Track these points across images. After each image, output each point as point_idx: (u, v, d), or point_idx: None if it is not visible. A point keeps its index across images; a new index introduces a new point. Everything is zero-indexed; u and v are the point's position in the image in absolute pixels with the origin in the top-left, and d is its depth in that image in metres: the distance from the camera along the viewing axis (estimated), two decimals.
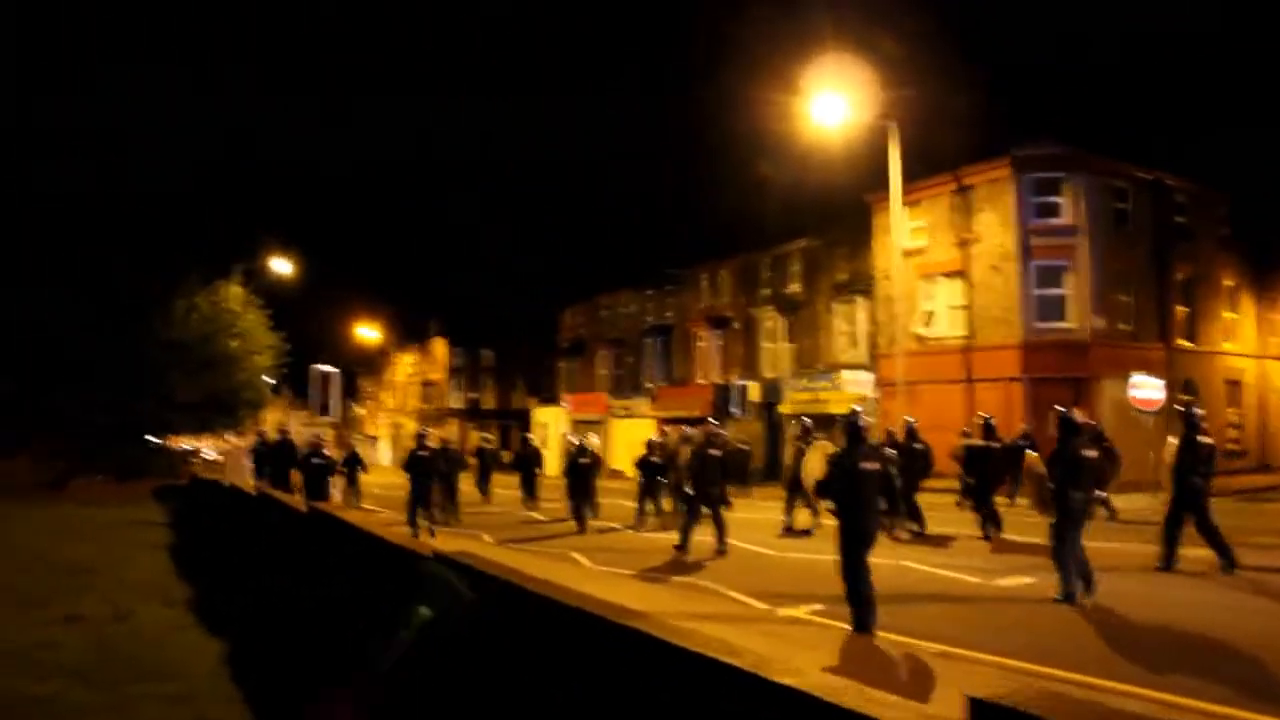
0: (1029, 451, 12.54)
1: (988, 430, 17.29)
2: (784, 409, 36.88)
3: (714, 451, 15.82)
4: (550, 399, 59.41)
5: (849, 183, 34.14)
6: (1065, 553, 10.23)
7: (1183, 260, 31.40)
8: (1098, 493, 11.54)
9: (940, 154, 30.74)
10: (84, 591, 10.69)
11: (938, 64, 32.84)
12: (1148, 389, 26.27)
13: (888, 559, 12.42)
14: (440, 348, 78.15)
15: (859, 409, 10.01)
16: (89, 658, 7.56)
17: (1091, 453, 10.63)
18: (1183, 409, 13.09)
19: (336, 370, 25.06)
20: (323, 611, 8.41)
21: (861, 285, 35.13)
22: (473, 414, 75.58)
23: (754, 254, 41.10)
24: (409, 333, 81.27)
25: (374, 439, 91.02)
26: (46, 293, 35.88)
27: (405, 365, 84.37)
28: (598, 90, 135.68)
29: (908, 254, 30.76)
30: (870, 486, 9.17)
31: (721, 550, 15.13)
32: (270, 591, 10.37)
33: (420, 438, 19.95)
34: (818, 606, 10.22)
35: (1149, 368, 27.65)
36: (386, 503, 23.97)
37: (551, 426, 54.41)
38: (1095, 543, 11.66)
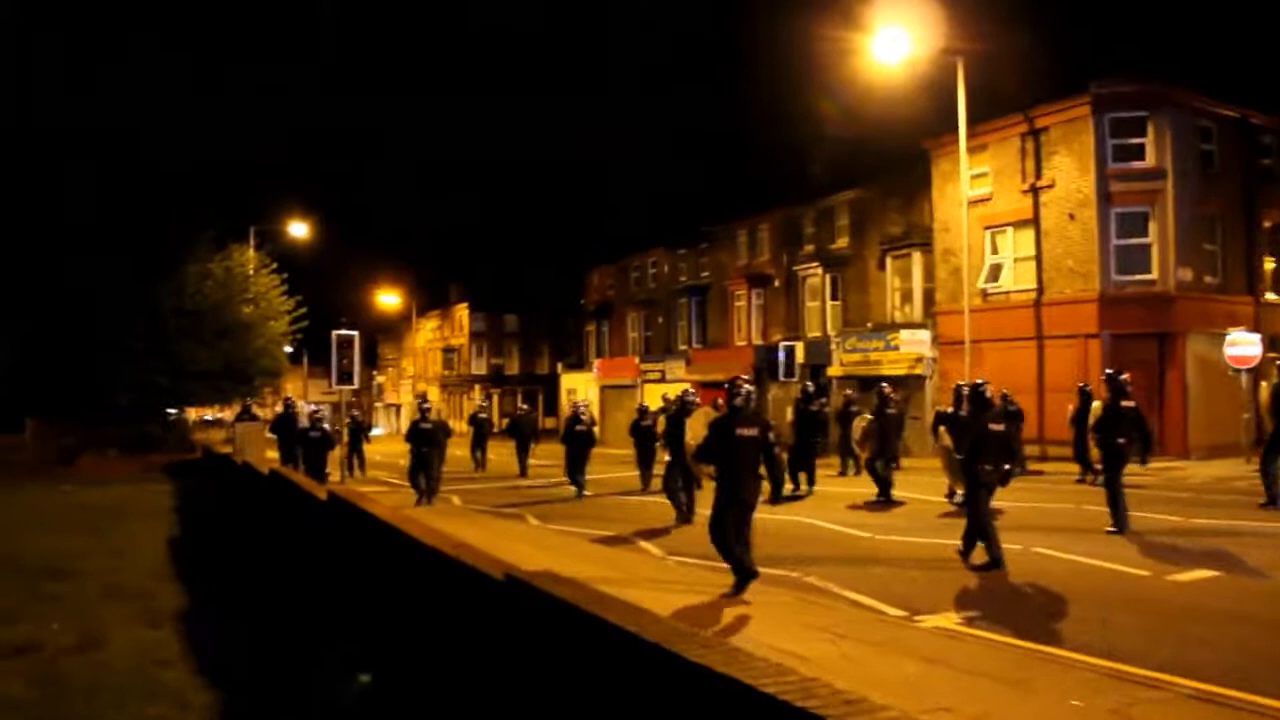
0: (941, 426, 12.66)
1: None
2: (833, 371, 34.63)
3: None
4: (578, 364, 57.39)
5: (903, 130, 31.81)
6: (984, 520, 10.59)
7: (1269, 206, 28.79)
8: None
9: (1006, 96, 28.30)
10: (54, 603, 8.62)
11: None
12: (1244, 345, 24.06)
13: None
14: (462, 313, 76.20)
15: (743, 378, 9.97)
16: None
17: (998, 426, 10.97)
18: None
19: (355, 333, 23.13)
20: (347, 657, 6.34)
21: (917, 238, 32.72)
22: (496, 380, 73.74)
23: (797, 208, 38.73)
24: (430, 298, 79.32)
25: (396, 407, 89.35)
26: (55, 260, 34.01)
27: (426, 331, 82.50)
28: (623, 36, 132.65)
29: (971, 203, 28.23)
30: (747, 452, 9.30)
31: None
32: (281, 608, 8.31)
33: (423, 410, 20.65)
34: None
35: (1236, 322, 25.43)
36: (398, 473, 22.52)
37: (580, 392, 52.42)
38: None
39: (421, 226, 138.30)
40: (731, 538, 9.23)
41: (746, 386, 9.76)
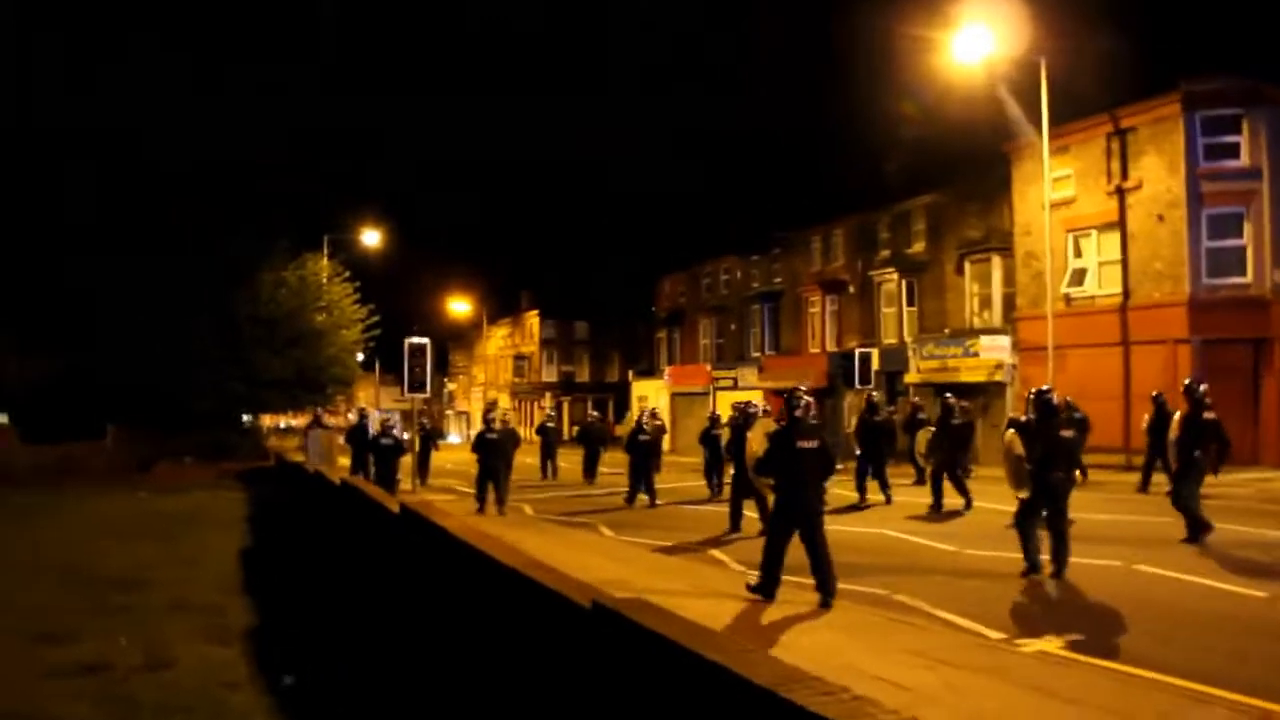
0: (1008, 430, 11.92)
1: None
2: (910, 378, 33.91)
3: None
4: (649, 371, 57.08)
5: (981, 132, 31.06)
6: (1030, 526, 10.58)
7: None
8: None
9: (1089, 96, 27.43)
10: (122, 617, 8.44)
11: None
12: None
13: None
14: (532, 320, 76.29)
15: (801, 389, 9.88)
16: None
17: (1068, 433, 11.02)
18: None
19: (427, 341, 23.16)
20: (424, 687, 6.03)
21: (996, 242, 31.93)
22: (567, 388, 73.68)
23: (871, 212, 38.06)
24: (501, 305, 79.52)
25: (465, 414, 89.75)
26: (134, 267, 34.53)
27: (497, 339, 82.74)
28: (693, 38, 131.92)
29: (1053, 206, 27.38)
30: (808, 464, 9.23)
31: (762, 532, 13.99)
32: (351, 627, 8.05)
33: (487, 420, 20.53)
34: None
35: None
36: (468, 480, 22.31)
37: (651, 399, 52.18)
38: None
39: (492, 233, 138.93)
40: (783, 553, 9.22)
41: (805, 398, 9.67)
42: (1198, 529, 12.49)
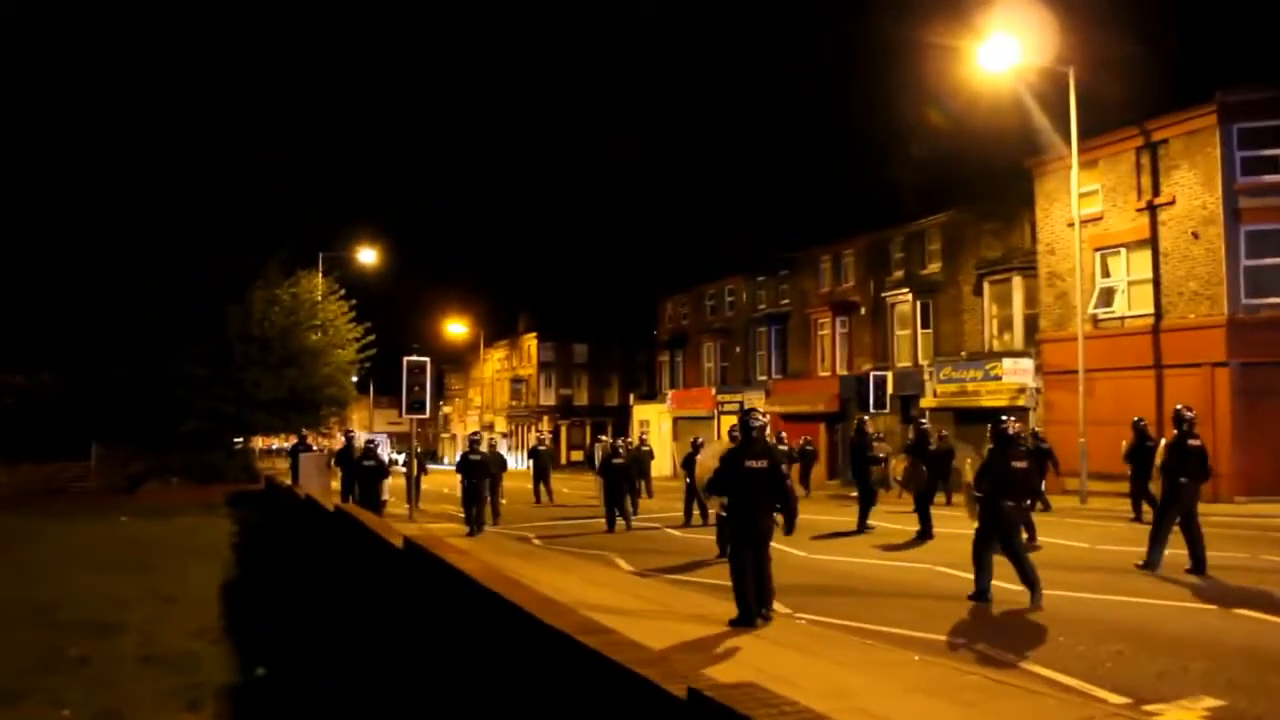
0: (968, 460, 11.99)
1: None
2: (926, 402, 32.64)
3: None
4: (650, 395, 55.80)
5: (1003, 148, 29.97)
6: (985, 555, 10.60)
7: None
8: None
9: (1118, 108, 26.31)
10: (79, 673, 7.14)
11: (1120, 5, 28.16)
12: None
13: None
14: (530, 343, 75.07)
15: (758, 410, 9.79)
16: None
17: (1021, 464, 10.87)
18: None
19: (427, 360, 22.17)
20: None
21: (1017, 261, 30.75)
22: (565, 411, 72.41)
23: (883, 231, 36.92)
24: (499, 327, 78.37)
25: (455, 436, 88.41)
26: (125, 288, 33.41)
27: (494, 361, 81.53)
28: (700, 53, 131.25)
29: (1080, 223, 26.22)
30: (757, 484, 9.18)
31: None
32: (345, 691, 6.76)
33: (473, 442, 20.75)
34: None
35: None
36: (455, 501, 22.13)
37: (653, 424, 50.98)
38: None
39: (491, 254, 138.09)
40: (748, 577, 9.11)
41: (761, 417, 9.61)
42: (1156, 560, 12.38)
